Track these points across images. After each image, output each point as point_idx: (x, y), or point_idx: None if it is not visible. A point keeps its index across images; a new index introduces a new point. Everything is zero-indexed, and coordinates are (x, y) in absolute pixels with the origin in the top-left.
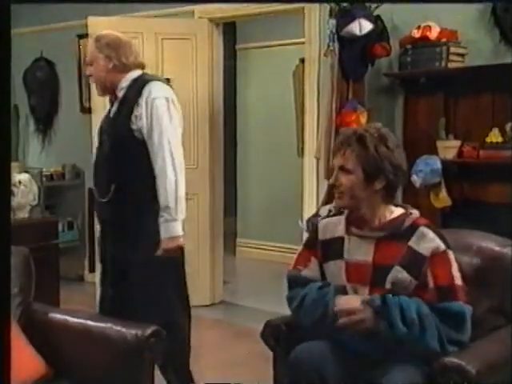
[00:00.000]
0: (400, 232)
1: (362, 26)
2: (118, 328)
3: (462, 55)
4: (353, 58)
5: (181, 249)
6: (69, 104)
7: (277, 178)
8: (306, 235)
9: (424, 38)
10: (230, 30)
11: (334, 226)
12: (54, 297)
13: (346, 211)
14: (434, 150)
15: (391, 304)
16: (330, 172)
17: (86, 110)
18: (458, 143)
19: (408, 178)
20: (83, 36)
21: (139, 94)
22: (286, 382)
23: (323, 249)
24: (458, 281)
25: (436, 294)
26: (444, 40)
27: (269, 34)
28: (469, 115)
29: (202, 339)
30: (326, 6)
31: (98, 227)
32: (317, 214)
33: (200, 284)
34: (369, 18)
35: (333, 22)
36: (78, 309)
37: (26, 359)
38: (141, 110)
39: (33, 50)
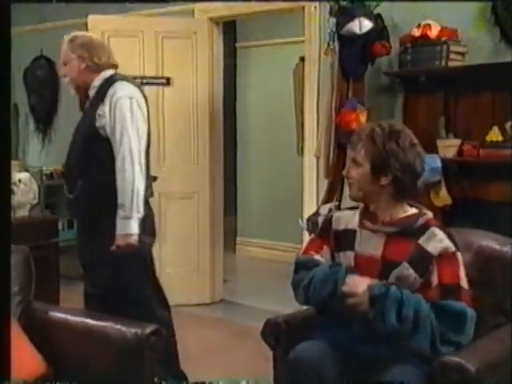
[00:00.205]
0: (411, 230)
1: (362, 25)
2: (118, 327)
3: (462, 54)
4: (353, 56)
5: (146, 245)
6: (69, 103)
7: (277, 177)
8: (306, 234)
9: (424, 37)
10: (230, 28)
11: (348, 218)
12: (54, 295)
13: (360, 205)
14: (434, 149)
15: (391, 296)
16: (329, 171)
17: None
18: (458, 142)
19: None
20: None
21: (105, 92)
22: (285, 381)
23: (335, 239)
24: (464, 283)
25: (439, 292)
26: (444, 39)
27: (269, 32)
28: (469, 114)
29: (201, 338)
30: (326, 5)
31: None
32: (317, 213)
33: (200, 282)
34: (369, 16)
35: (333, 20)
36: (78, 307)
37: (25, 358)
38: (105, 109)
39: (33, 48)
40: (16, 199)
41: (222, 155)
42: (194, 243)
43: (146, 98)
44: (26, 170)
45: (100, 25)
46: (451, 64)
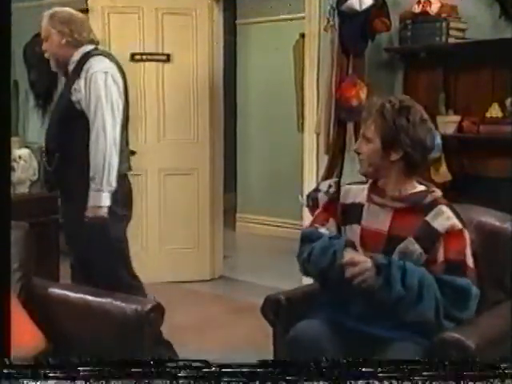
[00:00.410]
0: (419, 206)
1: (362, 1)
2: (118, 303)
3: (462, 30)
4: (353, 33)
5: (121, 218)
6: None
7: (277, 153)
8: (306, 210)
9: (424, 13)
10: (230, 5)
11: (356, 192)
12: (54, 272)
13: (369, 180)
14: (434, 125)
15: (394, 265)
16: (329, 147)
17: None
18: (457, 118)
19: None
20: (84, 11)
21: (82, 67)
22: (285, 357)
23: (343, 212)
24: (470, 261)
25: (445, 267)
26: (444, 15)
27: (269, 9)
28: (469, 90)
29: (201, 314)
30: None
31: None
32: (317, 189)
33: (200, 259)
34: None
35: None
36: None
37: (25, 333)
38: (80, 83)
39: (33, 24)
40: (16, 176)
41: (222, 132)
42: (194, 220)
43: (123, 73)
44: (26, 147)
45: (100, 1)
46: (451, 40)
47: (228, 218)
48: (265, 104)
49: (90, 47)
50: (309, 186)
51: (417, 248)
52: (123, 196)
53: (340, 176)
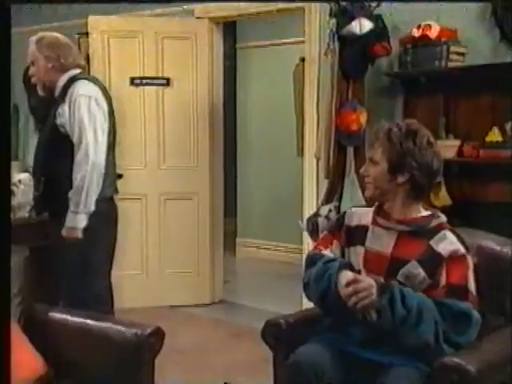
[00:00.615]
0: (424, 231)
1: (362, 26)
2: (118, 327)
3: (462, 54)
4: (353, 57)
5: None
6: None
7: (277, 178)
8: (306, 234)
9: (424, 37)
10: (230, 29)
11: (361, 215)
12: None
13: (375, 203)
14: None
15: (394, 288)
16: (329, 171)
17: None
18: (457, 142)
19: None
20: (83, 35)
21: (66, 91)
22: (285, 382)
23: (347, 234)
24: (472, 287)
25: (446, 292)
26: (444, 39)
27: (269, 33)
28: (469, 115)
29: (201, 338)
30: (327, 6)
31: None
32: (317, 214)
33: (200, 283)
34: (369, 17)
35: (333, 21)
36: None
37: (26, 359)
38: (64, 107)
39: None
40: (16, 200)
41: (222, 156)
42: (194, 244)
43: (109, 97)
44: (26, 171)
45: (100, 25)
46: (451, 65)
47: (228, 243)
48: (265, 128)
49: (75, 72)
50: (309, 210)
51: (420, 271)
52: (109, 218)
53: (340, 200)
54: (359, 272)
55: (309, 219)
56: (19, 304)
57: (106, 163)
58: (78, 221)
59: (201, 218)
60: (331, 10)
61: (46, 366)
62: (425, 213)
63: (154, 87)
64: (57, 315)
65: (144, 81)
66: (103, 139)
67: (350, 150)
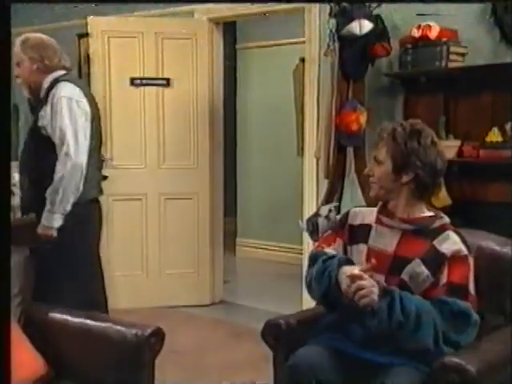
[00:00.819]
0: (427, 230)
1: (362, 26)
2: (118, 327)
3: (462, 55)
4: (353, 57)
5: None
6: None
7: (277, 178)
8: (306, 235)
9: (424, 38)
10: (230, 29)
11: (365, 215)
12: None
13: (379, 204)
14: None
15: (394, 293)
16: (329, 171)
17: None
18: (457, 143)
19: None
20: (83, 35)
21: (48, 93)
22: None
23: (350, 233)
24: (472, 288)
25: (446, 290)
26: (444, 39)
27: (269, 33)
28: (469, 115)
29: (201, 339)
30: (326, 6)
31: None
32: (317, 214)
33: (200, 283)
34: (369, 17)
35: (333, 21)
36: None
37: (26, 359)
38: (47, 109)
39: None
40: (16, 200)
41: (222, 156)
42: (194, 244)
43: (93, 99)
44: None
45: (100, 26)
46: (451, 65)
47: (228, 243)
48: (265, 128)
49: (60, 73)
50: (309, 210)
51: (424, 270)
52: (91, 219)
53: (340, 200)
54: (350, 260)
55: (309, 219)
56: (19, 304)
57: (88, 165)
58: (53, 220)
59: (201, 217)
60: (331, 10)
61: (46, 366)
62: (428, 213)
63: (154, 87)
64: (57, 315)
65: (144, 81)
66: (84, 141)
67: (350, 150)
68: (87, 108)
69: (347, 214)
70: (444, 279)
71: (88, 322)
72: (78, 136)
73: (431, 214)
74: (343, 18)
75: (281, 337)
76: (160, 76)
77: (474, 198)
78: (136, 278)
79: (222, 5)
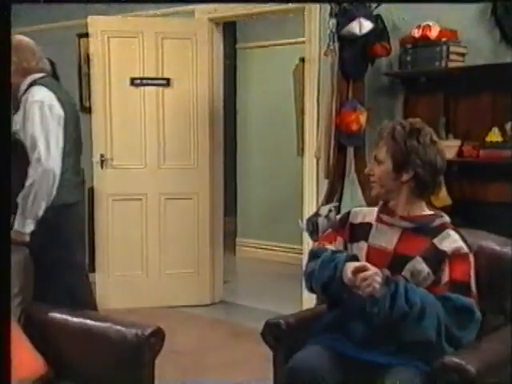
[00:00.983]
0: (427, 228)
1: (362, 26)
2: (118, 327)
3: (462, 55)
4: (353, 57)
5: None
6: None
7: (277, 178)
8: (306, 235)
9: (424, 38)
10: (230, 29)
11: (365, 214)
12: None
13: (380, 203)
14: None
15: (399, 282)
16: (329, 171)
17: (86, 110)
18: (458, 143)
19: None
20: (83, 35)
21: (22, 97)
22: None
23: (351, 231)
24: (473, 285)
25: (449, 287)
26: (444, 39)
27: (269, 33)
28: (469, 115)
29: (201, 339)
30: (327, 6)
31: (97, 227)
32: (317, 214)
33: (200, 283)
34: (369, 17)
35: (333, 21)
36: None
37: (26, 359)
38: (20, 113)
39: None
40: None
41: (222, 156)
42: (194, 244)
43: (68, 103)
44: None
45: (100, 25)
46: (451, 65)
47: (228, 243)
48: (265, 128)
49: (38, 76)
50: (309, 210)
51: (424, 267)
52: (66, 224)
53: (340, 200)
54: (357, 257)
55: (309, 219)
56: (19, 304)
57: (63, 170)
58: (24, 225)
59: (201, 217)
60: (331, 10)
61: (46, 366)
62: (428, 212)
63: (153, 87)
64: (57, 315)
65: (144, 81)
66: (56, 146)
67: (350, 150)
68: (60, 112)
69: (348, 213)
70: (446, 277)
71: (88, 321)
72: (50, 141)
73: (431, 212)
74: (343, 17)
75: (281, 337)
76: (160, 76)
77: (473, 197)
78: (136, 278)
79: (222, 5)
